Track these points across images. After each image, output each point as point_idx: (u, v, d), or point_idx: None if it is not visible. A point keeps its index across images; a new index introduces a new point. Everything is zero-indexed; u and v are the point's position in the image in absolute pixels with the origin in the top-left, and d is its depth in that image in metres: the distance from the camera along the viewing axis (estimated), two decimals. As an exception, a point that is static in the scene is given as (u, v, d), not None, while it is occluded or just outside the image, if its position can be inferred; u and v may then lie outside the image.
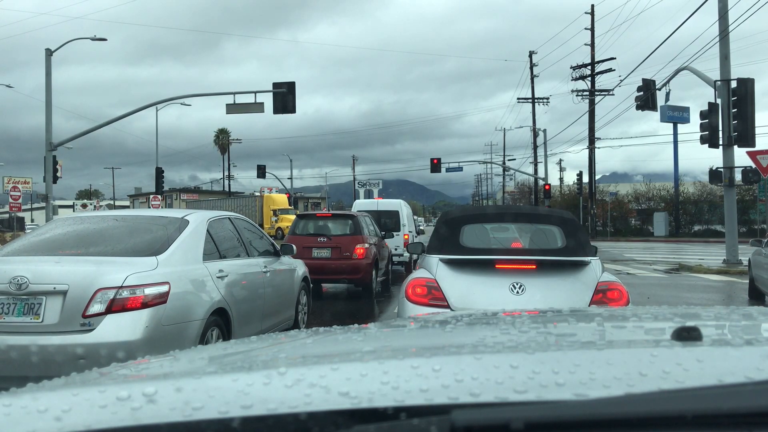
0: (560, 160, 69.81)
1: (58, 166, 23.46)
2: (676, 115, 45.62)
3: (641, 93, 21.53)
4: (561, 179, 67.32)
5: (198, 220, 6.11)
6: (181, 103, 38.41)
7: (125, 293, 4.76)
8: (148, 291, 4.87)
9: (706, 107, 18.47)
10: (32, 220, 55.21)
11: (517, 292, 5.07)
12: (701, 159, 34.13)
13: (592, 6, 43.23)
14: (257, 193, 60.01)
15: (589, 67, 42.84)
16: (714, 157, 24.52)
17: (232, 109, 22.35)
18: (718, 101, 18.15)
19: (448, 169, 47.22)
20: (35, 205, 55.23)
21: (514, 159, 70.77)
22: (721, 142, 18.32)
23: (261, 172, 48.85)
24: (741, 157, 19.41)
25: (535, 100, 48.88)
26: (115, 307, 4.72)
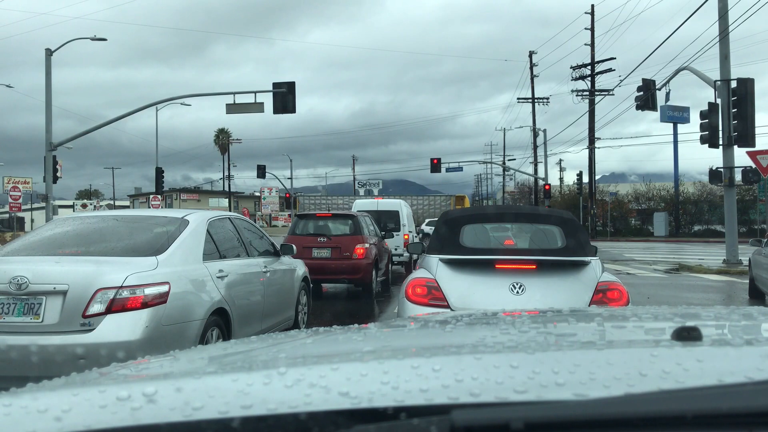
0: (560, 160, 69.88)
1: (58, 166, 23.45)
2: (676, 115, 45.63)
3: (641, 93, 21.53)
4: (561, 179, 67.36)
5: (198, 220, 6.11)
6: (181, 103, 38.37)
7: (125, 293, 4.76)
8: (148, 291, 4.87)
9: (705, 107, 18.48)
10: (32, 221, 55.15)
11: (517, 292, 5.07)
12: (699, 159, 34.20)
13: (592, 6, 43.24)
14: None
15: (589, 67, 42.84)
16: (712, 157, 24.55)
17: (232, 109, 22.33)
18: (718, 101, 18.15)
19: (448, 169, 47.19)
20: (35, 205, 55.16)
21: (514, 159, 70.78)
22: (721, 142, 18.32)
23: (261, 172, 49.15)
24: (741, 157, 19.45)
25: (535, 100, 48.88)
26: (115, 307, 4.72)
